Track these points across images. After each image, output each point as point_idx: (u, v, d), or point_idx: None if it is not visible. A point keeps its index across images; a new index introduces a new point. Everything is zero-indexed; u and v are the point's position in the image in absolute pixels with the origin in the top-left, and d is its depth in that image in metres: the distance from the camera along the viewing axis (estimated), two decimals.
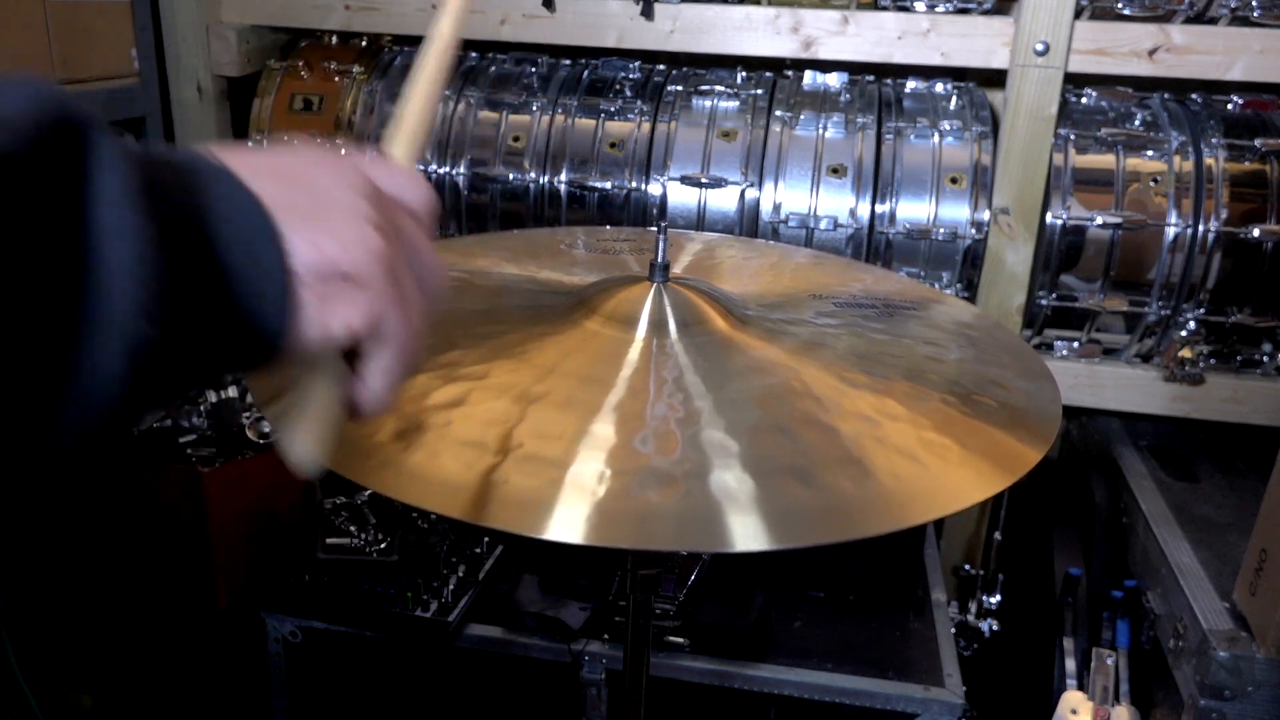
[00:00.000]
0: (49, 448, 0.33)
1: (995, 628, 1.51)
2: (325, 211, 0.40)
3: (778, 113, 1.59)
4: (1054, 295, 1.52)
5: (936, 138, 1.55)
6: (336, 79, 1.70)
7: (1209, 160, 1.47)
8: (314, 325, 0.39)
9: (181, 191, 0.36)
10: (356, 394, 0.44)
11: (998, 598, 1.53)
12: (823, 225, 1.52)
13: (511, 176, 1.61)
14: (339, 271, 0.39)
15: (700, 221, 1.57)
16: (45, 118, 0.33)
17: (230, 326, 0.37)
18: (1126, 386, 1.55)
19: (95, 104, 1.62)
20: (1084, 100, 1.57)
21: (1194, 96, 1.58)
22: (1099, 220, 1.47)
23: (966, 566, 1.64)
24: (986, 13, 1.53)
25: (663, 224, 0.82)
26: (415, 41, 1.76)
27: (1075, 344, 1.56)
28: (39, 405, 0.32)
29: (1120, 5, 1.47)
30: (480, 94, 1.66)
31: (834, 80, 1.66)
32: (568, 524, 0.57)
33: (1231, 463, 1.52)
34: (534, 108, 1.64)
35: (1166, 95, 1.59)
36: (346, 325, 0.40)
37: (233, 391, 1.43)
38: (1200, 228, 1.45)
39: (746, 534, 0.57)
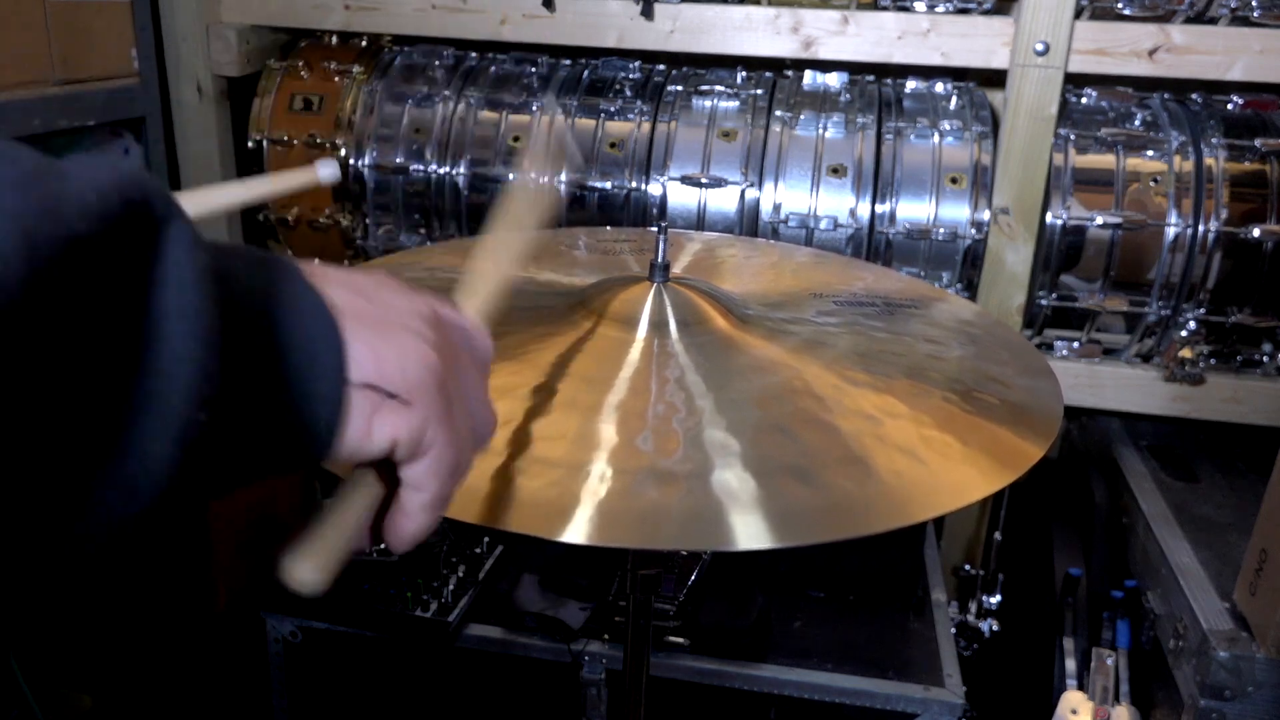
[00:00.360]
0: (89, 531, 0.32)
1: (995, 628, 1.51)
2: (389, 324, 0.40)
3: (778, 113, 1.59)
4: (1054, 295, 1.53)
5: (936, 138, 1.55)
6: (336, 79, 1.70)
7: (1209, 160, 1.47)
8: (361, 432, 0.39)
9: (250, 282, 0.37)
10: (393, 524, 0.43)
11: (998, 598, 1.53)
12: (823, 225, 1.52)
13: (511, 176, 1.61)
14: (394, 383, 0.39)
15: (700, 221, 1.57)
16: (121, 200, 0.33)
17: (280, 423, 0.37)
18: (1126, 386, 1.55)
19: (95, 104, 1.62)
20: (1084, 100, 1.57)
21: (1194, 96, 1.58)
22: (1099, 220, 1.47)
23: (966, 566, 1.64)
24: (986, 13, 1.53)
25: (663, 224, 0.82)
26: (415, 41, 1.76)
27: (1075, 344, 1.56)
28: (82, 486, 0.32)
29: (1120, 5, 1.47)
30: (480, 94, 1.66)
31: (834, 80, 1.66)
32: (569, 523, 0.57)
33: (1231, 463, 1.52)
34: (534, 108, 1.64)
35: (1166, 95, 1.59)
36: (393, 437, 0.40)
37: None
38: (1200, 228, 1.45)
39: (748, 533, 0.57)
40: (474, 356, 0.46)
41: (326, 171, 0.87)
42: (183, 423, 0.33)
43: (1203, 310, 1.49)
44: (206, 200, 0.55)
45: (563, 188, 1.58)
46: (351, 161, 1.66)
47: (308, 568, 0.40)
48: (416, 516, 0.43)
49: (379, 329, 0.40)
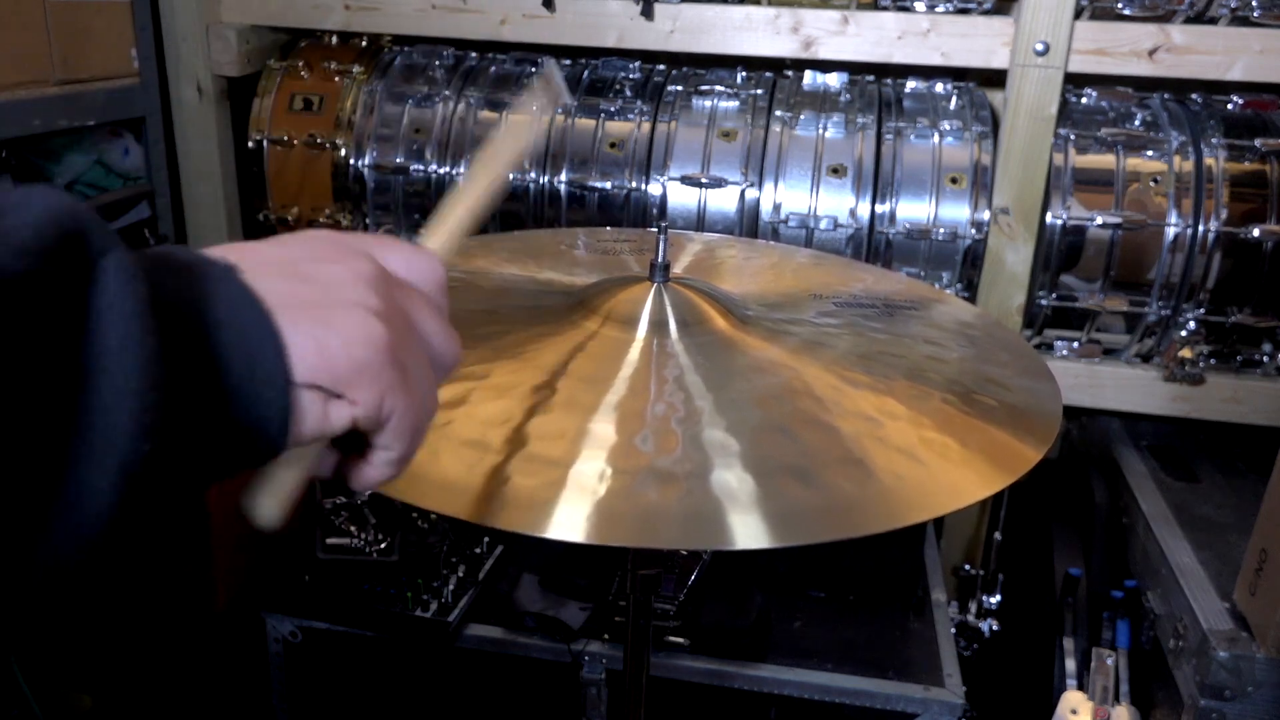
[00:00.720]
0: (32, 569, 0.32)
1: (995, 628, 1.51)
2: (330, 305, 0.40)
3: (778, 113, 1.59)
4: (1054, 295, 1.53)
5: (936, 138, 1.55)
6: (336, 79, 1.70)
7: (1209, 160, 1.47)
8: (314, 423, 0.39)
9: (185, 300, 0.36)
10: (357, 470, 0.44)
11: (998, 598, 1.53)
12: (823, 225, 1.52)
13: (511, 176, 1.61)
14: (341, 368, 0.39)
15: (700, 222, 1.57)
16: (58, 235, 0.33)
17: (230, 431, 0.37)
18: (1126, 386, 1.55)
19: (95, 104, 1.62)
20: (1084, 100, 1.57)
21: (1194, 96, 1.58)
22: (1099, 220, 1.47)
23: (966, 566, 1.64)
24: (986, 13, 1.53)
25: (663, 224, 0.82)
26: (414, 41, 1.76)
27: (1075, 344, 1.56)
28: (22, 525, 0.32)
29: (1120, 5, 1.47)
30: (480, 94, 1.66)
31: (834, 80, 1.66)
32: (569, 523, 0.57)
33: (1231, 463, 1.52)
34: (534, 107, 1.63)
35: (1166, 95, 1.59)
36: (349, 419, 0.40)
37: None
38: (1200, 228, 1.45)
39: (748, 533, 0.57)
40: (426, 292, 0.46)
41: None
42: (125, 455, 0.33)
43: (1203, 310, 1.49)
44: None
45: (563, 188, 1.58)
46: (351, 161, 1.66)
47: (266, 504, 0.41)
48: (383, 469, 0.43)
49: (319, 315, 0.39)
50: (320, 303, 0.40)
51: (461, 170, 1.63)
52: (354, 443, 0.43)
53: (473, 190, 0.55)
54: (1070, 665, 1.36)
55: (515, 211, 1.63)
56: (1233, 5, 1.44)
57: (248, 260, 0.39)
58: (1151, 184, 1.48)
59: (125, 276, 0.34)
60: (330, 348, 0.39)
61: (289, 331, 0.38)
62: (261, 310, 0.38)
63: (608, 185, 1.58)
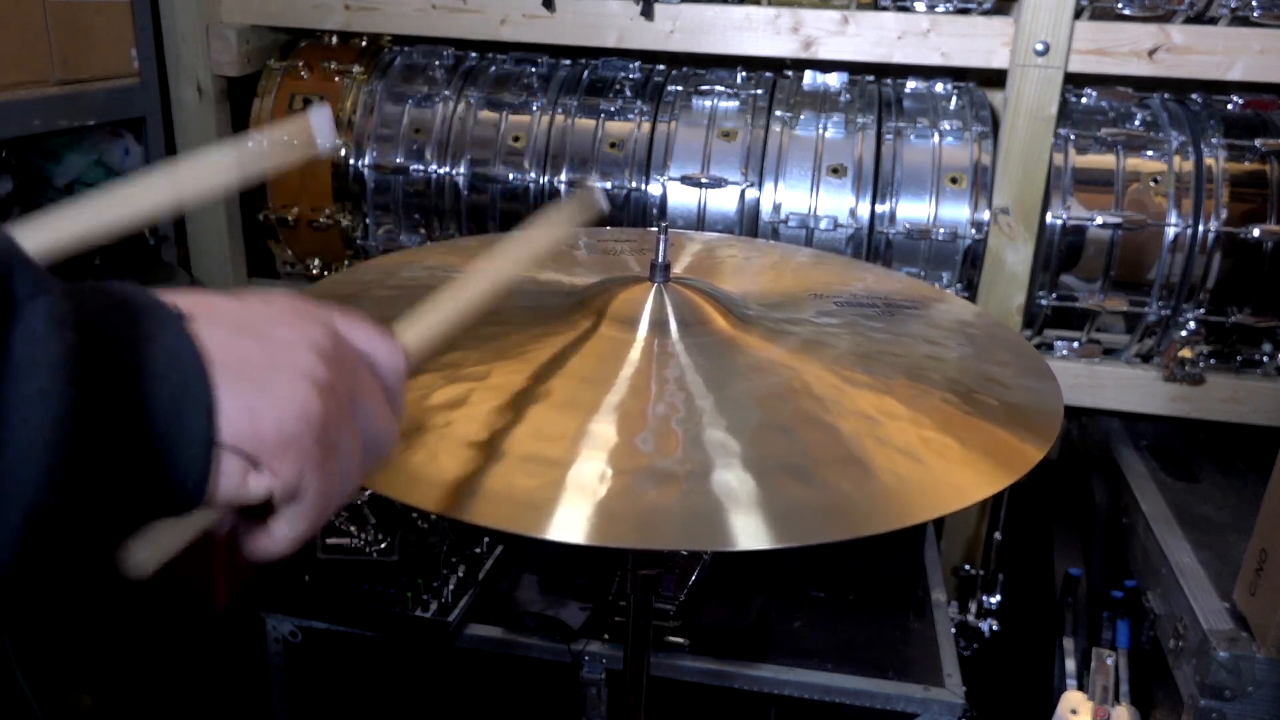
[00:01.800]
0: None
1: (995, 628, 1.51)
2: (273, 369, 0.39)
3: (778, 113, 1.59)
4: (1054, 295, 1.52)
5: (936, 138, 1.55)
6: (336, 79, 1.70)
7: (1209, 160, 1.47)
8: (231, 489, 0.38)
9: (124, 345, 0.36)
10: (253, 538, 0.43)
11: (998, 598, 1.53)
12: (823, 225, 1.52)
13: (511, 176, 1.61)
14: (269, 439, 0.38)
15: (700, 222, 1.57)
16: None
17: (145, 485, 0.37)
18: (1126, 386, 1.55)
19: (95, 104, 1.62)
20: (1084, 100, 1.57)
21: (1194, 96, 1.58)
22: (1099, 220, 1.47)
23: (966, 566, 1.64)
24: (986, 13, 1.53)
25: (663, 224, 0.82)
26: (415, 41, 1.76)
27: (1075, 344, 1.56)
28: None
29: (1120, 5, 1.47)
30: (480, 94, 1.66)
31: (834, 80, 1.66)
32: (569, 523, 0.57)
33: (1231, 463, 1.52)
34: (534, 108, 1.64)
35: (1166, 95, 1.59)
36: (265, 490, 0.39)
37: None
38: (1200, 228, 1.45)
39: (748, 533, 0.57)
40: (378, 372, 0.45)
41: (318, 122, 0.65)
42: (30, 504, 0.32)
43: (1203, 310, 1.49)
44: (193, 180, 0.52)
45: (563, 188, 1.58)
46: (351, 161, 1.66)
47: (144, 555, 0.40)
48: (280, 542, 0.43)
49: (259, 379, 0.38)
50: (264, 365, 0.39)
51: (461, 170, 1.63)
52: (259, 507, 0.42)
53: (470, 289, 0.53)
54: (1070, 665, 1.36)
55: (515, 211, 1.63)
56: (1233, 5, 1.44)
57: (202, 310, 0.38)
58: (1151, 184, 1.48)
59: (50, 323, 0.33)
60: (262, 416, 0.38)
61: (225, 392, 0.37)
62: (200, 365, 0.37)
63: (608, 185, 1.58)
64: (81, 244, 0.51)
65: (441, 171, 1.64)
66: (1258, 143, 1.47)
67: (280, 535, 0.42)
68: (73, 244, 0.50)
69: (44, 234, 0.49)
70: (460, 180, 1.63)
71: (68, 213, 0.51)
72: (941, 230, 1.51)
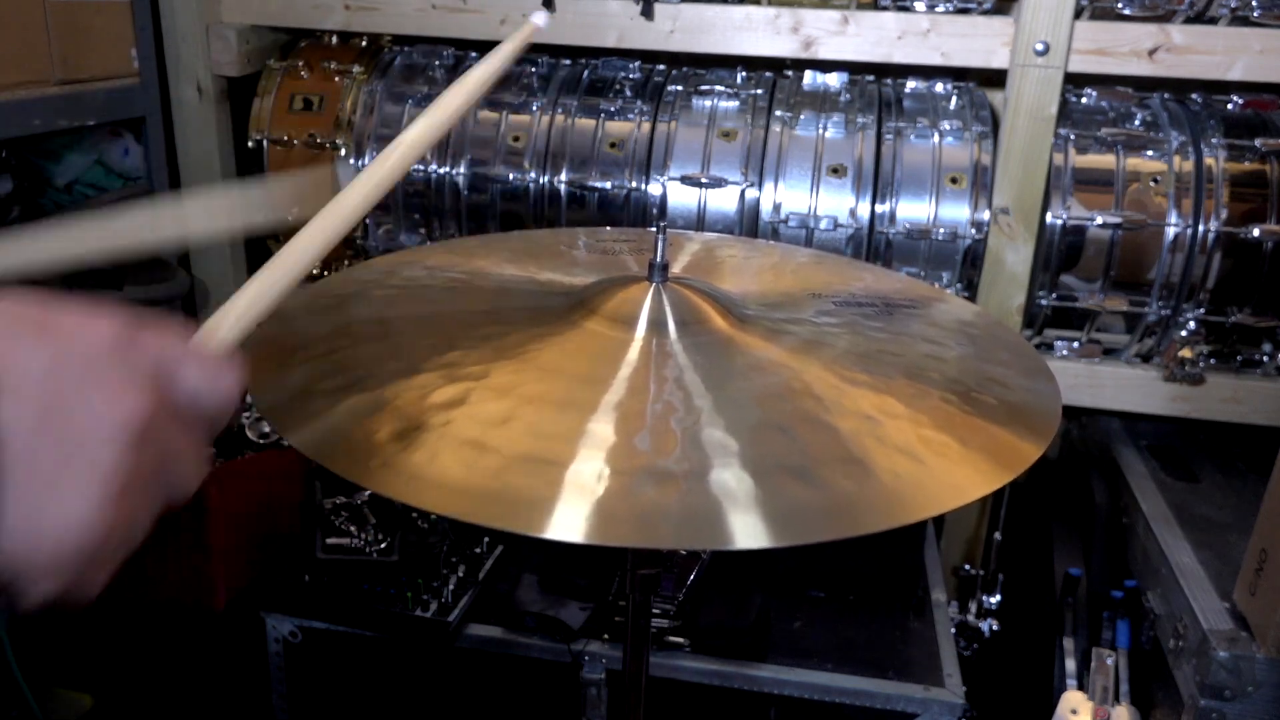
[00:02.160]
0: None
1: (995, 628, 1.51)
2: (67, 470, 0.36)
3: (778, 113, 1.59)
4: (1054, 295, 1.52)
5: (936, 138, 1.55)
6: (336, 79, 1.70)
7: (1209, 160, 1.47)
8: (3, 595, 0.36)
9: None
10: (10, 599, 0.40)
11: (998, 598, 1.53)
12: (823, 225, 1.52)
13: (511, 176, 1.61)
14: (44, 558, 0.36)
15: (700, 221, 1.57)
16: None
17: None
18: (1126, 386, 1.55)
19: (95, 104, 1.62)
20: (1084, 100, 1.57)
21: (1194, 96, 1.58)
22: (1099, 220, 1.47)
23: (966, 566, 1.64)
24: (986, 13, 1.53)
25: (662, 224, 0.82)
26: (415, 41, 1.76)
27: (1075, 344, 1.56)
28: None
29: (1120, 5, 1.47)
30: None
31: (834, 80, 1.66)
32: (568, 523, 0.57)
33: (1231, 463, 1.52)
34: (534, 108, 1.64)
35: (1166, 95, 1.59)
36: (39, 598, 0.37)
37: None
38: (1200, 228, 1.45)
39: (747, 532, 0.57)
40: (195, 411, 0.42)
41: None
42: None
43: (1203, 310, 1.49)
44: (204, 220, 0.52)
45: (563, 188, 1.59)
46: (351, 161, 1.66)
47: None
48: (33, 602, 0.40)
49: (50, 482, 0.36)
50: (58, 466, 0.36)
51: (461, 170, 1.63)
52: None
53: (272, 276, 0.51)
54: (1070, 665, 1.36)
55: (515, 211, 1.63)
56: (1233, 5, 1.44)
57: (8, 364, 0.36)
58: (1151, 184, 1.48)
59: None
60: (43, 534, 0.36)
61: (9, 497, 0.35)
62: None
63: (608, 185, 1.58)
64: (81, 263, 0.50)
65: (441, 171, 1.64)
66: (1258, 143, 1.47)
67: (31, 601, 0.39)
68: (73, 263, 0.50)
69: (41, 250, 0.49)
70: (460, 180, 1.63)
71: (71, 230, 0.50)
72: (941, 230, 1.51)
